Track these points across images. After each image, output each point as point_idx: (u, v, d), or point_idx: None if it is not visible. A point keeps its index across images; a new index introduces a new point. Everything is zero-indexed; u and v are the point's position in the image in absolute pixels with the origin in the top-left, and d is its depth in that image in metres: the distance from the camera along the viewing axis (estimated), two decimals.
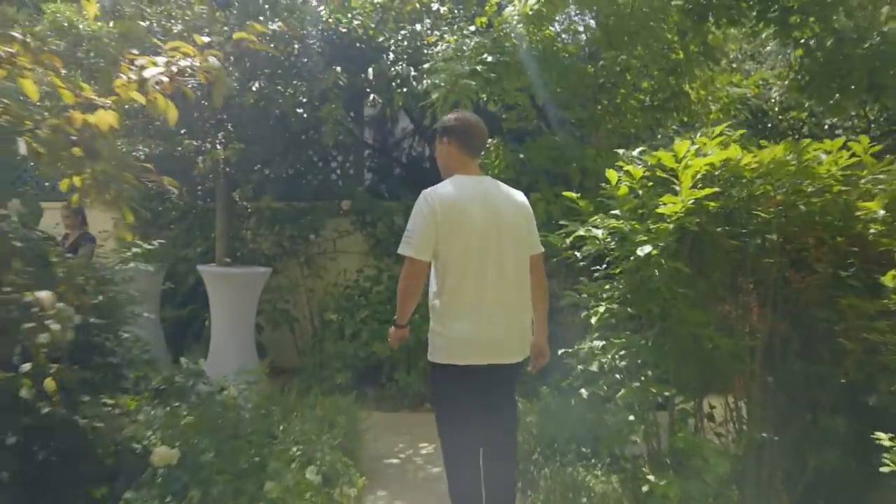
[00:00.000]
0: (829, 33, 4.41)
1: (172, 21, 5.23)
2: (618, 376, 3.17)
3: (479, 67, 4.50)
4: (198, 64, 2.03)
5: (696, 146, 2.70)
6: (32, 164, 2.67)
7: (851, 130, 7.63)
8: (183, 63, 2.02)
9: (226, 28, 4.91)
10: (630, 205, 2.77)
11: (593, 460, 3.33)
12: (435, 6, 6.26)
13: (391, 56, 6.14)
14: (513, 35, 4.95)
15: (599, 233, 2.89)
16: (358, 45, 6.25)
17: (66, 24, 5.91)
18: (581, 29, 6.44)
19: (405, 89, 5.86)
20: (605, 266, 3.14)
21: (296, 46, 6.05)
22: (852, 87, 4.52)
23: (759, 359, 2.94)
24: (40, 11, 6.16)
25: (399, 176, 8.84)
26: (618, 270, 2.76)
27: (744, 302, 3.15)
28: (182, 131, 5.87)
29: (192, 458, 2.59)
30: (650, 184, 2.76)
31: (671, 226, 2.52)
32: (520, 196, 2.79)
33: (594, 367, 2.86)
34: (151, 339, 6.18)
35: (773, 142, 2.94)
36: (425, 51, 5.88)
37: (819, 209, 2.83)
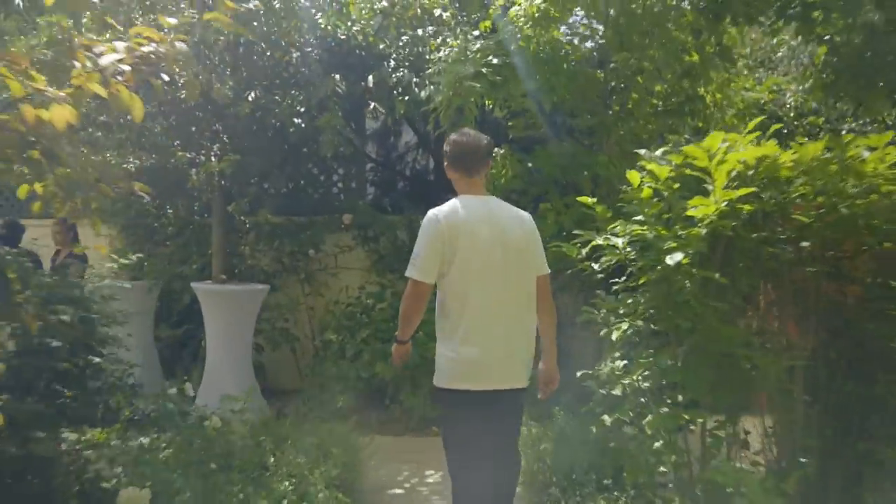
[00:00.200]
0: (856, 28, 4.15)
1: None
2: (641, 399, 2.88)
3: (483, 70, 4.25)
4: (163, 50, 1.78)
5: (727, 143, 2.43)
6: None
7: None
8: (146, 49, 1.76)
9: (193, 14, 4.58)
10: (655, 209, 2.49)
11: (615, 492, 3.03)
12: (437, 12, 6.04)
13: (392, 63, 5.92)
14: (518, 37, 4.71)
15: (620, 241, 2.61)
16: (358, 52, 6.04)
17: (60, 38, 5.72)
18: (588, 33, 6.21)
19: (407, 97, 5.62)
20: (624, 278, 2.86)
21: (294, 55, 5.84)
22: (881, 84, 4.25)
23: (799, 379, 2.64)
24: (36, 25, 5.98)
25: (403, 190, 8.62)
26: (641, 282, 2.47)
27: (779, 315, 2.86)
28: (176, 143, 5.65)
29: (166, 500, 2.30)
30: (676, 185, 2.48)
31: (703, 230, 2.24)
32: (525, 216, 2.76)
33: (617, 391, 2.57)
34: (144, 360, 5.94)
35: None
36: (428, 56, 5.65)
37: (864, 211, 2.54)
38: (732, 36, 5.31)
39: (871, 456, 2.46)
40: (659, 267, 2.27)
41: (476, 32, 5.50)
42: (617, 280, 2.92)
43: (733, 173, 2.29)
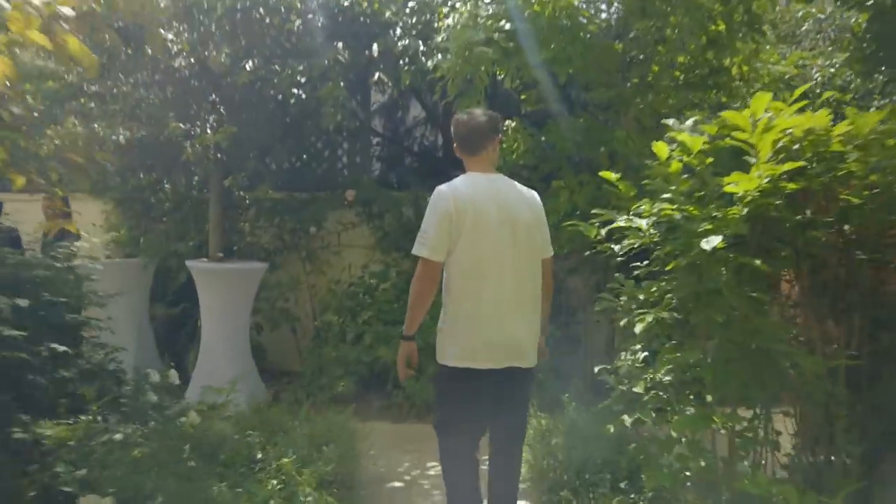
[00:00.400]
0: None
1: None
2: (662, 394, 2.63)
3: (495, 36, 3.93)
4: None
5: (770, 113, 2.14)
6: None
7: None
8: None
9: None
10: (684, 185, 2.20)
11: (632, 495, 2.79)
12: None
13: (398, 31, 5.59)
14: (533, 1, 4.38)
15: (644, 223, 2.34)
16: (362, 19, 5.72)
17: None
18: (604, 6, 5.85)
19: (413, 67, 5.30)
20: (646, 262, 2.59)
21: (296, 23, 5.53)
22: None
23: (841, 378, 2.37)
24: None
25: (410, 166, 8.35)
26: (669, 268, 2.20)
27: (816, 306, 2.58)
28: (170, 114, 5.37)
29: None
30: (709, 159, 2.19)
31: (745, 210, 1.95)
32: (533, 195, 2.73)
33: (639, 389, 2.31)
34: (138, 341, 5.74)
35: None
36: (436, 25, 5.32)
37: None
38: (763, 3, 4.96)
39: None
40: (693, 252, 1.99)
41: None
42: (638, 264, 2.66)
43: (779, 144, 2.00)
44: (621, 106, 5.23)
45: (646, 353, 2.67)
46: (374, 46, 5.50)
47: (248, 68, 5.20)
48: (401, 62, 5.50)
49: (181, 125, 5.04)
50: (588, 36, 4.98)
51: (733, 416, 2.13)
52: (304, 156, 6.81)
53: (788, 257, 2.40)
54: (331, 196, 6.45)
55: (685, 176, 2.29)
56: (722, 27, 5.01)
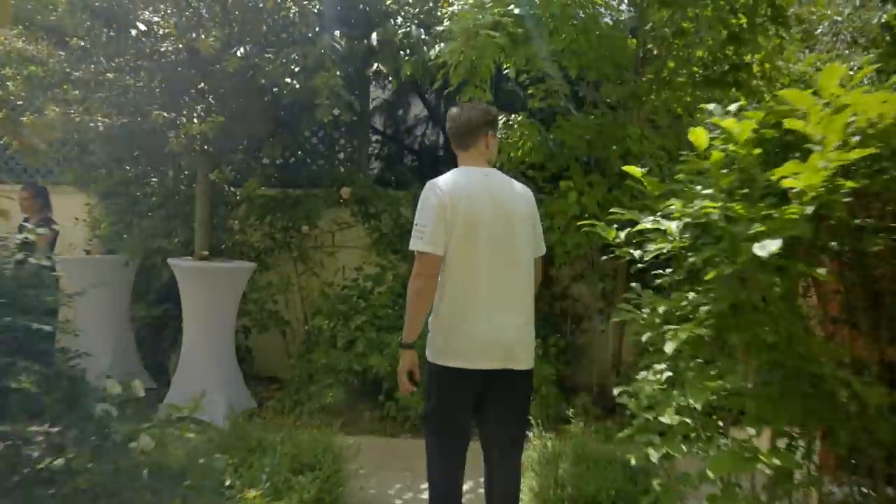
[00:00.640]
0: None
1: None
2: (689, 421, 2.29)
3: (504, 19, 3.61)
4: None
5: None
6: None
7: None
8: None
9: None
10: (726, 181, 1.87)
11: None
12: None
13: (399, 20, 5.27)
14: None
15: (674, 225, 2.01)
16: (361, 6, 5.40)
17: None
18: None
19: (414, 56, 4.98)
20: (670, 270, 2.27)
21: (291, 10, 5.21)
22: None
23: None
24: None
25: (410, 164, 8.05)
26: (708, 277, 1.87)
27: (870, 326, 2.25)
28: (156, 103, 5.04)
29: None
30: (756, 150, 1.86)
31: (808, 209, 1.62)
32: (527, 191, 2.64)
33: (667, 419, 1.98)
34: (118, 342, 5.41)
35: None
36: (439, 12, 5.00)
37: None
38: None
39: None
40: (740, 259, 1.66)
41: None
42: (657, 272, 2.34)
43: (849, 129, 1.67)
44: (634, 103, 4.92)
45: (669, 374, 2.33)
46: (374, 36, 5.18)
47: (239, 55, 4.88)
48: (401, 52, 5.19)
49: (164, 114, 4.72)
50: (603, 25, 4.67)
51: (783, 455, 1.80)
52: (298, 150, 6.49)
53: (833, 269, 2.08)
54: (326, 194, 6.13)
55: (725, 171, 1.95)
56: (744, 20, 4.70)
